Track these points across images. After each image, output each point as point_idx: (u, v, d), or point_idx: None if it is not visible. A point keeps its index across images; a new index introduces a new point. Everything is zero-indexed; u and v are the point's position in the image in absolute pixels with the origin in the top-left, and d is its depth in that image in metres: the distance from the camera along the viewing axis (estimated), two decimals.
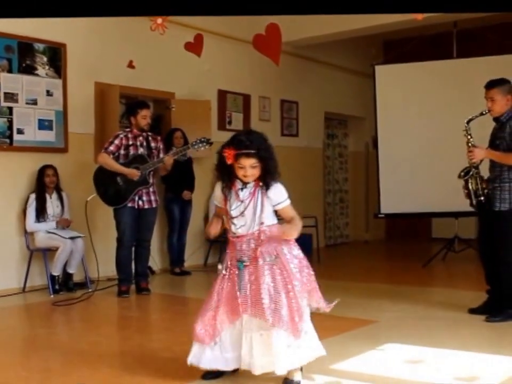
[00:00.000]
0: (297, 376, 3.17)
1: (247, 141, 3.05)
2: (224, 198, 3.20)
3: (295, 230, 3.11)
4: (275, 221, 3.21)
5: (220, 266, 3.24)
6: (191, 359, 3.23)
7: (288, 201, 3.18)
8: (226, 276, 3.16)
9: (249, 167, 3.05)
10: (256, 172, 3.08)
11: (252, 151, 3.04)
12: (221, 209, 3.26)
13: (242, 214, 3.11)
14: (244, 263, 3.10)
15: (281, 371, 3.05)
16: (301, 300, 3.10)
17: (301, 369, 3.21)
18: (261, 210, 3.11)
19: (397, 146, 8.35)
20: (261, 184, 3.13)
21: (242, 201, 3.13)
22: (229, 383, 3.25)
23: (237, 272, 3.12)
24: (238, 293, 3.07)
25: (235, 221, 3.14)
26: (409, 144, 8.26)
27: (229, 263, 3.18)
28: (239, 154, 3.03)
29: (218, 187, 3.24)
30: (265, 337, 3.04)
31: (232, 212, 3.14)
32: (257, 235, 3.12)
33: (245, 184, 3.14)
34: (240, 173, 3.08)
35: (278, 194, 3.15)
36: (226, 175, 3.15)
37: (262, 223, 3.10)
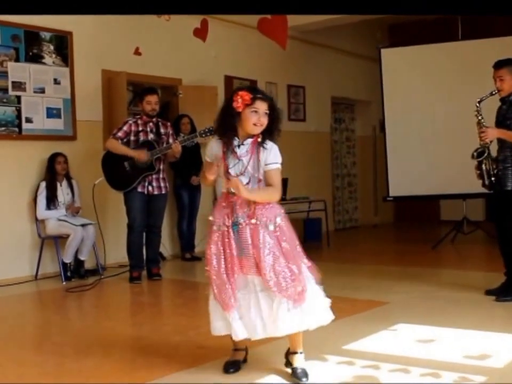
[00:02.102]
0: (300, 363, 3.06)
1: (262, 90, 3.08)
2: (223, 153, 3.04)
3: (248, 194, 2.93)
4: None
5: (210, 218, 3.10)
6: (214, 331, 3.11)
7: (278, 165, 3.03)
8: (222, 235, 3.02)
9: (262, 113, 2.98)
10: (265, 122, 2.99)
11: (268, 97, 3.04)
12: (211, 163, 3.07)
13: (242, 173, 3.00)
14: (239, 225, 2.97)
15: (281, 333, 2.95)
16: (302, 264, 3.00)
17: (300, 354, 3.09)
18: (257, 168, 3.00)
19: (404, 129, 8.34)
20: (259, 140, 3.02)
21: (239, 159, 3.02)
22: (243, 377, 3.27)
23: (232, 235, 2.99)
24: (238, 255, 2.97)
25: None
26: (416, 126, 8.25)
27: (225, 220, 3.02)
28: (255, 98, 2.97)
29: (214, 141, 3.10)
30: (268, 299, 2.95)
31: (230, 170, 3.03)
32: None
33: (242, 141, 3.03)
34: (252, 119, 2.96)
35: (272, 154, 3.02)
36: (229, 126, 3.03)
37: (260, 180, 3.00)
